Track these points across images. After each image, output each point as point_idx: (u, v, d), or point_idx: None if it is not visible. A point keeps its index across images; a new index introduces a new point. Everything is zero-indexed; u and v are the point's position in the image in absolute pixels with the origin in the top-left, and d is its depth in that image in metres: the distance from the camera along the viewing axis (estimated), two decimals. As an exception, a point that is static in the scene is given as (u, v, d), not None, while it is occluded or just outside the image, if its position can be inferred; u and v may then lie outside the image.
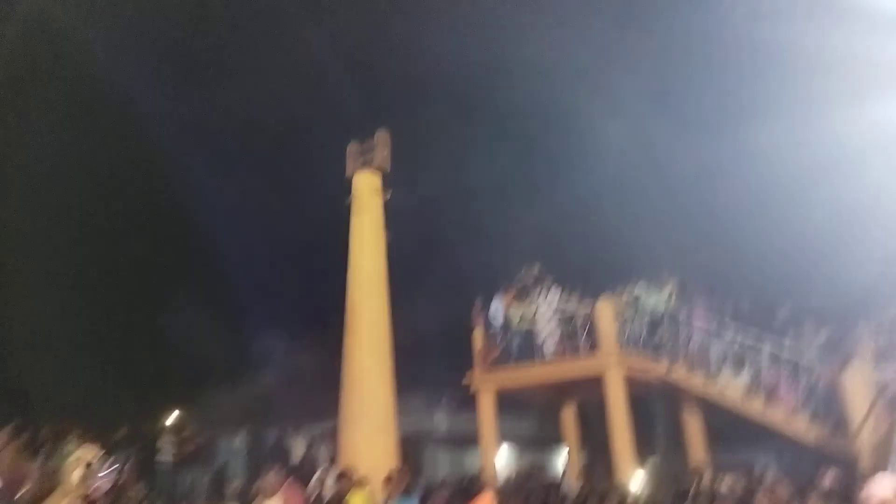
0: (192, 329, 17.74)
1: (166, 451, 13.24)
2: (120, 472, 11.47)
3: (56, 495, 4.27)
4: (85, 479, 4.59)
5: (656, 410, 17.80)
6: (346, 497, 8.89)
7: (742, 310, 11.78)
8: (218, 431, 14.98)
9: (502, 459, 15.03)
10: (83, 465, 4.64)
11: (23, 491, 11.44)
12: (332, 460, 11.71)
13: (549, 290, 12.82)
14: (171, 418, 15.25)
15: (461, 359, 13.99)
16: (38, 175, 17.89)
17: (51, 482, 11.77)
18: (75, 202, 18.60)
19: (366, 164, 12.08)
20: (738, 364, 10.78)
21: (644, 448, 15.08)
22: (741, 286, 12.17)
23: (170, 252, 19.68)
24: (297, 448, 14.54)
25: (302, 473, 13.10)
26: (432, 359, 17.76)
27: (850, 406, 9.17)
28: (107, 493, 9.97)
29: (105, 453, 12.89)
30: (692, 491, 9.88)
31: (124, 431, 13.70)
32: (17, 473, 11.99)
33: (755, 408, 10.43)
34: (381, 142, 12.25)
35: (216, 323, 18.28)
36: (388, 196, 11.54)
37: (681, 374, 11.54)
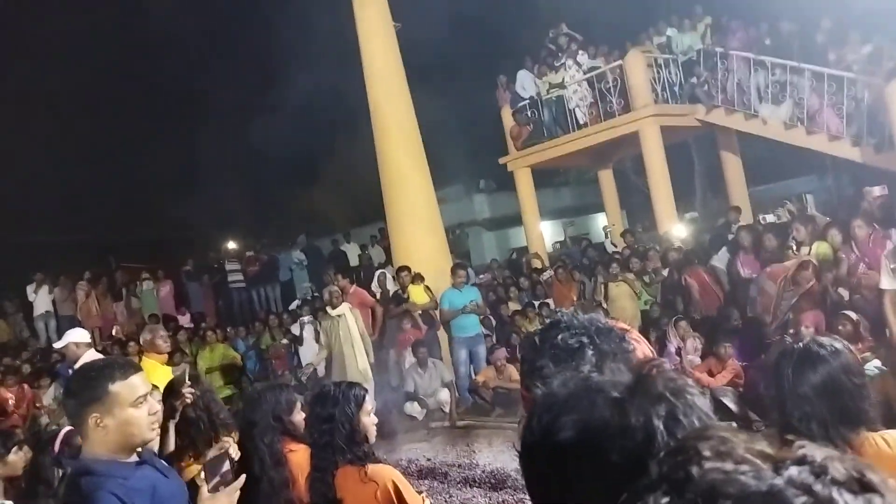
0: (230, 150, 17.98)
1: (234, 274, 14.09)
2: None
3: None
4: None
5: (694, 156, 17.84)
6: (408, 290, 9.49)
7: (781, 34, 11.09)
8: (276, 248, 15.74)
9: (546, 233, 15.59)
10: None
11: (116, 328, 12.63)
12: (387, 261, 12.31)
13: (576, 52, 12.23)
14: (230, 243, 16.01)
15: (494, 140, 13.92)
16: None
17: (137, 316, 12.92)
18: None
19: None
20: (779, 93, 10.42)
21: (685, 198, 15.38)
22: (778, 8, 11.30)
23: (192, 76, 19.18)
24: (352, 252, 15.27)
25: (360, 275, 13.97)
26: (465, 145, 17.71)
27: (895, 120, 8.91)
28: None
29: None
30: (734, 229, 10.18)
31: (191, 263, 14.53)
32: (107, 315, 13.15)
33: (798, 135, 10.27)
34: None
35: (249, 141, 18.37)
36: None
37: (720, 115, 11.29)
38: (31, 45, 17.68)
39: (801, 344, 1.95)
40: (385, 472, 2.44)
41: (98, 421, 1.79)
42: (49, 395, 9.32)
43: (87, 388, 1.84)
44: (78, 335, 5.79)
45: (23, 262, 14.09)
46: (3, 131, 16.23)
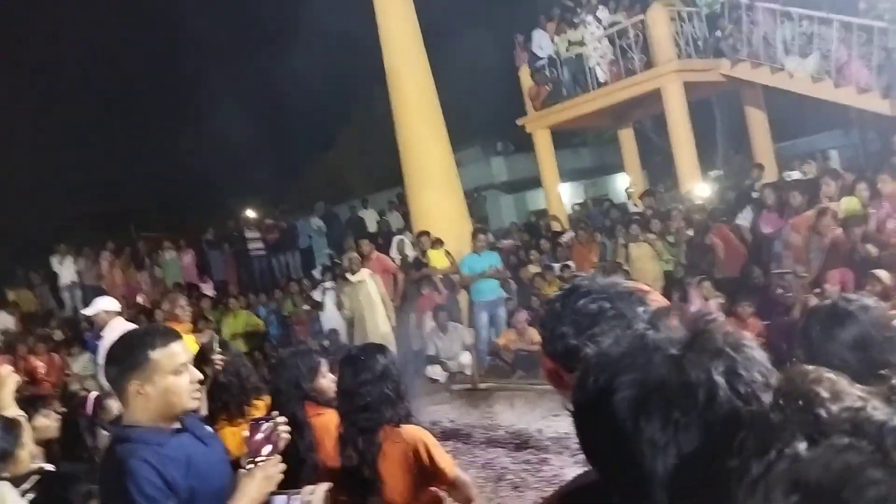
0: (246, 119, 17.97)
1: (254, 241, 14.18)
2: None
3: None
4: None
5: (717, 113, 17.44)
6: (428, 255, 9.47)
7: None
8: (294, 215, 15.78)
9: (566, 195, 15.43)
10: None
11: (140, 297, 12.80)
12: (405, 226, 12.27)
13: (595, 7, 11.90)
14: (249, 212, 16.07)
15: (511, 101, 13.70)
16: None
17: (161, 285, 13.09)
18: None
19: None
20: (806, 45, 10.08)
21: (708, 156, 15.08)
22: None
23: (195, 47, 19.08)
24: (370, 218, 15.26)
25: (378, 241, 13.97)
26: (482, 107, 17.47)
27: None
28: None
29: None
30: (758, 186, 9.99)
31: (212, 232, 14.63)
32: (131, 284, 13.33)
33: (826, 89, 9.97)
34: None
35: (264, 109, 18.34)
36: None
37: (745, 69, 10.97)
38: (46, 23, 17.64)
39: (829, 301, 1.92)
40: (416, 433, 2.45)
41: (139, 389, 1.80)
42: (79, 362, 9.52)
43: (128, 356, 1.84)
44: (108, 303, 5.88)
45: (46, 233, 14.29)
46: (24, 107, 16.34)
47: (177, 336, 1.93)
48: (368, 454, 2.40)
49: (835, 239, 6.37)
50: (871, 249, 6.46)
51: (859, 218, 6.60)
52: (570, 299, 1.31)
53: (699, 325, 0.80)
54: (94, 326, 6.26)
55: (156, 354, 1.82)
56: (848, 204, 6.74)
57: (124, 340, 1.94)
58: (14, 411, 2.69)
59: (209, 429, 2.20)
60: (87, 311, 6.13)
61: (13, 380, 2.79)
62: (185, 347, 1.93)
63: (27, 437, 2.57)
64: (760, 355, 0.77)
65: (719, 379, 0.72)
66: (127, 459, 1.74)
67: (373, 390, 2.43)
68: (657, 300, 1.48)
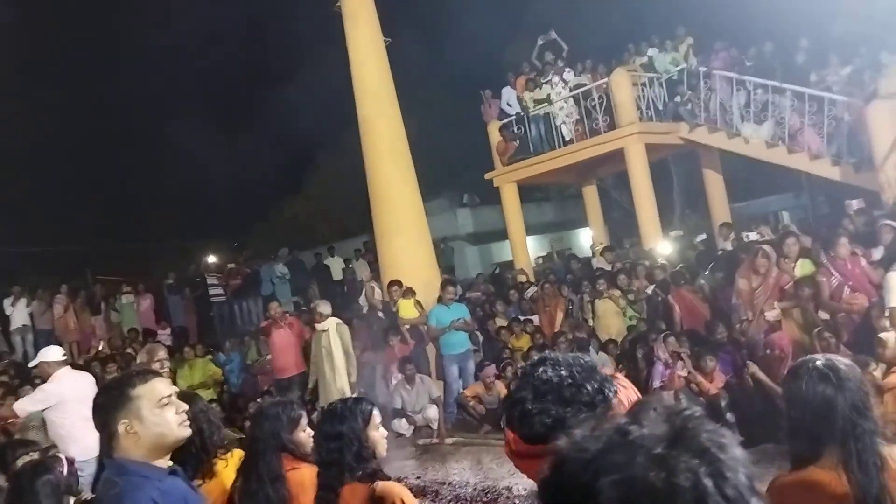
0: (212, 163, 17.84)
1: (217, 287, 13.94)
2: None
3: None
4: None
5: (674, 173, 18.09)
6: (397, 304, 9.41)
7: (763, 55, 11.34)
8: (258, 261, 15.61)
9: (530, 248, 15.66)
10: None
11: (99, 342, 12.39)
12: (372, 275, 12.26)
13: (562, 69, 12.36)
14: (211, 257, 15.85)
15: (478, 155, 13.98)
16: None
17: (117, 330, 12.70)
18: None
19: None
20: (761, 112, 10.63)
21: (667, 214, 15.56)
22: (759, 30, 11.58)
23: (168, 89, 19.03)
24: (336, 266, 15.18)
25: (344, 290, 13.87)
26: (449, 159, 17.78)
27: (875, 140, 9.12)
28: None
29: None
30: (719, 247, 10.33)
31: (173, 276, 14.34)
32: (85, 329, 12.90)
33: (780, 154, 10.48)
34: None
35: (232, 153, 18.26)
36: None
37: (703, 133, 11.47)
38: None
39: (816, 363, 2.00)
40: (394, 490, 2.41)
41: (128, 427, 1.83)
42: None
43: (110, 398, 1.88)
44: (51, 353, 5.71)
45: (3, 275, 13.80)
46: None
47: (156, 374, 1.99)
48: None
49: (777, 279, 6.61)
50: (823, 315, 6.64)
51: (809, 280, 6.81)
52: (535, 368, 1.42)
53: (680, 421, 0.76)
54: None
55: (137, 391, 1.86)
56: (802, 267, 6.99)
57: (106, 387, 2.00)
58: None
59: None
60: (31, 363, 5.94)
61: None
62: (167, 384, 1.98)
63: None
64: (742, 454, 0.74)
65: (707, 482, 0.69)
66: (130, 492, 1.75)
67: (338, 447, 2.43)
68: (623, 384, 1.56)
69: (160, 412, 1.87)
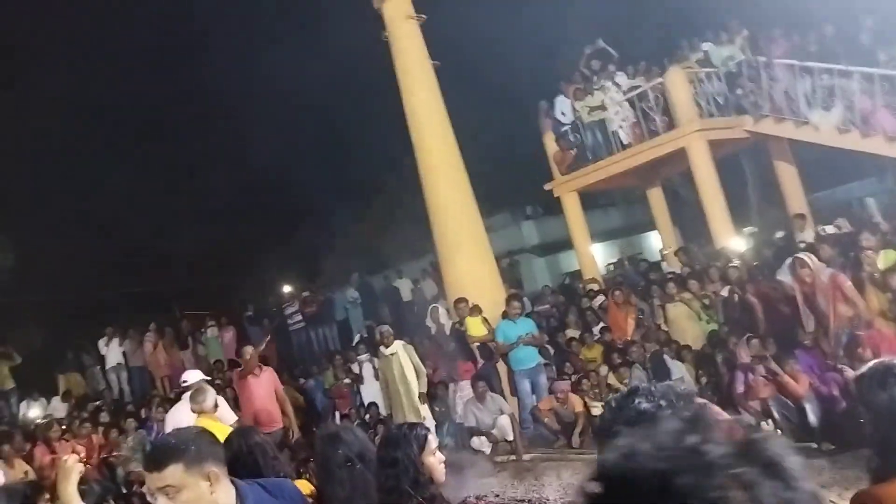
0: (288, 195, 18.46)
1: (294, 316, 14.42)
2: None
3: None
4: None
5: (746, 168, 17.42)
6: (465, 323, 9.47)
7: (824, 38, 10.85)
8: (331, 288, 16.05)
9: (599, 255, 15.43)
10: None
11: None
12: (440, 294, 12.37)
13: (613, 73, 12.22)
14: (286, 287, 16.43)
15: (538, 166, 13.94)
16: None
17: (204, 363, 13.31)
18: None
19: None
20: (828, 98, 10.16)
21: (741, 211, 15.02)
22: (816, 15, 11.08)
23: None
24: (405, 288, 15.42)
25: (414, 310, 14.04)
26: (509, 173, 17.78)
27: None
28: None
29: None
30: (797, 241, 9.90)
31: (252, 307, 14.94)
32: (176, 363, 13.59)
33: (853, 139, 9.97)
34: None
35: (305, 189, 18.94)
36: (424, 19, 10.92)
37: (769, 125, 11.06)
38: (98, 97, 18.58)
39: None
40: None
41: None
42: (129, 443, 9.66)
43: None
44: (199, 374, 6.60)
45: (96, 316, 14.73)
46: (74, 192, 17.12)
47: None
48: None
49: (832, 279, 6.34)
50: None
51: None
52: (628, 399, 1.38)
53: (744, 437, 0.76)
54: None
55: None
56: (886, 257, 6.64)
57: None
58: (77, 504, 2.72)
59: None
60: (190, 381, 6.40)
61: (78, 470, 2.70)
62: None
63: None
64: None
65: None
66: None
67: (394, 474, 2.44)
68: (716, 410, 1.54)
69: None
